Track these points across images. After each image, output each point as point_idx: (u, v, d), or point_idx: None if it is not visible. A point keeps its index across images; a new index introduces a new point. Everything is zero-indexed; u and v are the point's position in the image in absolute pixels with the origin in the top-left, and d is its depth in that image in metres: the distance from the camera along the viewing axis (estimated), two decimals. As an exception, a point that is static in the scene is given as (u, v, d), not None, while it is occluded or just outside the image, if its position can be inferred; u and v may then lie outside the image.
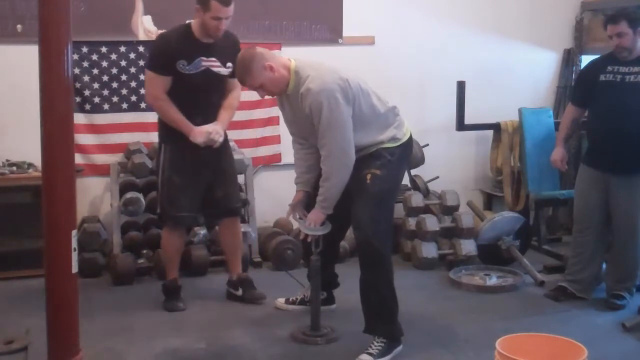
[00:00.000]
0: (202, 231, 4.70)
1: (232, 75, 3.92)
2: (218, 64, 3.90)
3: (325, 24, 5.20)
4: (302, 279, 4.21)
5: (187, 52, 3.82)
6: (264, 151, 5.22)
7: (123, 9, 4.76)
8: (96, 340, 3.51)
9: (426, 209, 5.07)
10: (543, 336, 2.85)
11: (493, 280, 4.55)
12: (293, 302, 4.07)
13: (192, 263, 4.57)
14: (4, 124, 4.64)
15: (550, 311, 4.07)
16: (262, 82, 3.34)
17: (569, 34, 5.83)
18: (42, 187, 2.69)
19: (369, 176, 3.37)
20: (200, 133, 3.84)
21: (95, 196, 4.91)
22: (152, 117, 4.45)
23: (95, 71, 4.79)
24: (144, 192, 4.69)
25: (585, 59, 5.41)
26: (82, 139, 4.72)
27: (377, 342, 3.38)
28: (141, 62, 4.77)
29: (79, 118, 4.68)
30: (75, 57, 4.66)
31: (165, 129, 3.94)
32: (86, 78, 4.77)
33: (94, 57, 4.77)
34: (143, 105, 4.80)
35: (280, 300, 4.10)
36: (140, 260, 4.61)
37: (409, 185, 5.26)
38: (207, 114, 3.93)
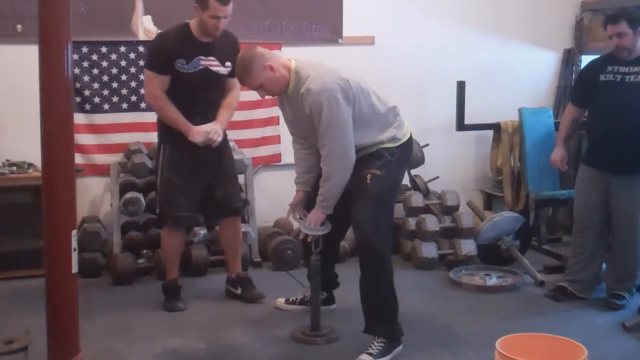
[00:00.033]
0: (202, 231, 4.70)
1: (231, 74, 3.93)
2: (217, 63, 3.91)
3: (325, 24, 5.20)
4: (302, 279, 4.21)
5: (186, 51, 3.82)
6: (264, 151, 5.22)
7: (123, 9, 4.76)
8: (96, 340, 3.51)
9: (426, 209, 5.07)
10: (543, 336, 2.85)
11: (493, 280, 4.55)
12: (293, 302, 4.07)
13: (192, 263, 4.57)
14: (4, 124, 4.64)
15: (550, 311, 4.07)
16: (262, 82, 3.34)
17: (569, 34, 5.83)
18: (42, 187, 2.69)
19: (369, 176, 3.37)
20: (199, 132, 3.84)
21: (95, 196, 4.91)
22: (152, 117, 4.45)
23: (95, 71, 4.79)
24: (144, 192, 4.69)
25: (585, 59, 5.41)
26: (82, 139, 4.72)
27: (377, 342, 3.38)
28: (141, 62, 4.77)
29: (79, 118, 4.68)
30: (75, 57, 4.66)
31: (165, 129, 3.95)
32: (86, 78, 4.77)
33: (94, 57, 4.77)
34: (143, 105, 4.80)
35: (280, 300, 4.10)
36: (140, 260, 4.61)
37: (409, 185, 5.26)
38: (206, 114, 3.93)
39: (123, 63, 4.83)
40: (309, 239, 3.55)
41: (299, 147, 3.64)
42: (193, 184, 3.97)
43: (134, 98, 4.87)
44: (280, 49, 4.98)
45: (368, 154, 3.42)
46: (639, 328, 3.76)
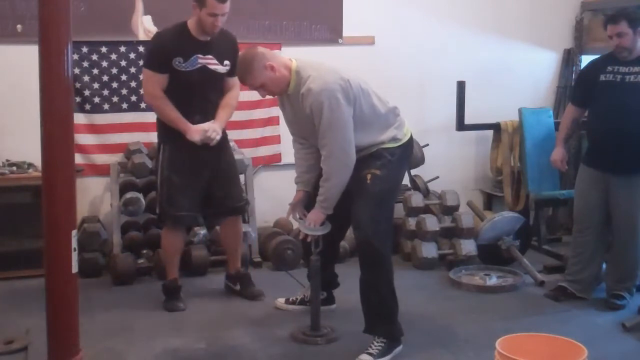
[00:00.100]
0: (202, 231, 4.70)
1: (230, 73, 3.94)
2: (215, 61, 3.91)
3: (325, 24, 5.20)
4: (302, 279, 4.21)
5: (183, 49, 3.82)
6: (264, 151, 5.22)
7: (123, 9, 4.76)
8: (96, 340, 3.51)
9: (426, 209, 5.07)
10: (543, 336, 2.85)
11: (493, 280, 4.55)
12: (293, 302, 4.07)
13: (192, 263, 4.57)
14: (4, 124, 4.64)
15: (550, 311, 4.07)
16: (263, 82, 3.34)
17: (569, 34, 5.83)
18: (42, 187, 2.69)
19: (369, 176, 3.37)
20: (197, 131, 3.84)
21: (95, 196, 4.91)
22: (152, 117, 4.44)
23: (95, 71, 4.79)
24: (144, 192, 4.69)
25: (585, 59, 5.41)
26: (82, 139, 4.72)
27: (377, 342, 3.38)
28: (141, 62, 4.76)
29: (79, 118, 4.68)
30: (75, 57, 4.66)
31: (165, 128, 3.95)
32: (86, 78, 4.77)
33: (94, 57, 4.77)
34: (143, 105, 4.80)
35: (280, 300, 4.10)
36: (140, 260, 4.61)
37: (409, 185, 5.26)
38: (206, 113, 3.93)
39: (123, 63, 4.83)
40: (308, 239, 3.55)
41: (299, 147, 3.64)
42: (193, 183, 3.97)
43: (134, 98, 4.87)
44: (280, 49, 4.97)
45: (368, 154, 3.42)
46: (639, 328, 3.76)
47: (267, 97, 3.59)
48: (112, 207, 4.66)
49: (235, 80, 3.84)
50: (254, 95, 4.49)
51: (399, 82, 5.24)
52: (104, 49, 4.79)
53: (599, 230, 4.13)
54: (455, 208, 5.03)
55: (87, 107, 4.79)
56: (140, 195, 4.62)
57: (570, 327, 3.75)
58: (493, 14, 5.64)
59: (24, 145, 4.47)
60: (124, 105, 4.87)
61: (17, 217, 4.48)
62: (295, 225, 4.41)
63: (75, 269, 2.71)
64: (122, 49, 4.82)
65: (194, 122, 3.86)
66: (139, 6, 4.79)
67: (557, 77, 5.86)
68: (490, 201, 5.64)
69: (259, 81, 3.34)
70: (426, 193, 5.23)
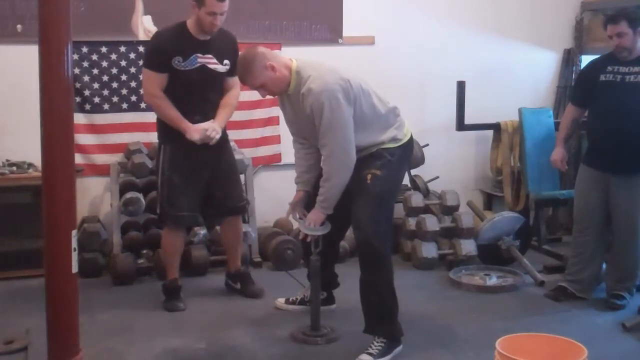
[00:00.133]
0: (202, 231, 4.71)
1: (230, 73, 3.94)
2: (214, 60, 3.91)
3: (325, 24, 5.20)
4: (302, 279, 4.21)
5: (182, 48, 3.83)
6: (264, 151, 5.22)
7: (123, 9, 4.77)
8: (96, 340, 3.51)
9: (426, 209, 5.07)
10: (543, 336, 2.85)
11: (493, 280, 4.55)
12: (293, 302, 4.07)
13: (192, 263, 4.57)
14: (4, 124, 4.64)
15: (550, 311, 4.07)
16: (263, 82, 3.34)
17: (569, 34, 5.83)
18: (42, 187, 2.69)
19: (369, 176, 3.37)
20: (197, 130, 3.84)
21: (95, 196, 4.91)
22: (152, 117, 4.44)
23: (95, 71, 4.79)
24: (144, 192, 4.69)
25: (585, 59, 5.41)
26: (82, 139, 4.72)
27: (377, 342, 3.38)
28: (141, 62, 4.75)
29: (79, 118, 4.68)
30: (75, 57, 4.66)
31: (165, 129, 3.95)
32: (86, 78, 4.77)
33: (94, 57, 4.77)
34: (143, 105, 4.80)
35: (280, 300, 4.10)
36: (140, 260, 4.61)
37: (409, 185, 5.26)
38: (206, 112, 3.93)
39: (123, 63, 4.84)
40: (308, 239, 3.55)
41: (299, 147, 3.64)
42: (193, 184, 3.97)
43: (134, 98, 4.87)
44: (280, 49, 4.97)
45: (368, 154, 3.42)
46: (639, 328, 3.76)
47: (268, 97, 3.59)
48: (112, 207, 4.66)
49: (235, 80, 3.84)
50: (254, 95, 4.49)
51: (399, 82, 5.24)
52: (104, 49, 4.79)
53: (599, 230, 4.13)
54: (455, 208, 5.03)
55: (87, 107, 4.79)
56: (140, 195, 4.62)
57: (570, 327, 3.75)
58: (493, 14, 5.64)
59: (24, 145, 4.47)
60: (124, 105, 4.87)
61: (17, 217, 4.48)
62: (295, 225, 4.41)
63: (75, 269, 2.71)
64: (122, 49, 4.82)
65: (194, 122, 3.86)
66: (139, 6, 4.79)
67: (557, 77, 5.86)
68: (490, 201, 5.64)
69: (260, 81, 3.34)
70: (426, 193, 5.23)
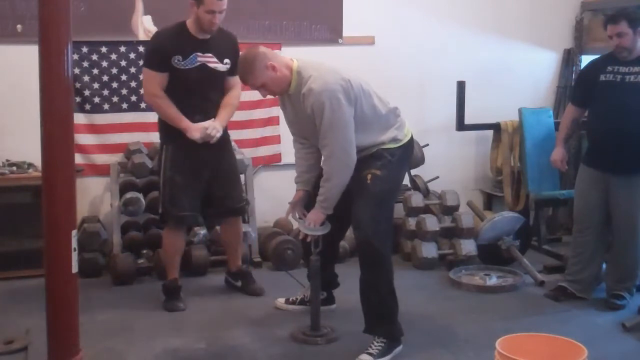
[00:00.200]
0: (202, 231, 4.71)
1: (230, 72, 3.94)
2: (214, 59, 3.91)
3: (325, 24, 5.20)
4: (302, 279, 4.21)
5: (182, 47, 3.83)
6: (264, 151, 5.22)
7: (123, 9, 4.77)
8: (96, 340, 3.51)
9: (426, 209, 5.07)
10: (543, 336, 2.85)
11: (493, 280, 4.55)
12: (293, 302, 4.07)
13: (192, 263, 4.57)
14: (4, 124, 4.64)
15: (550, 311, 4.07)
16: (264, 82, 3.34)
17: (569, 34, 5.83)
18: (42, 187, 2.69)
19: (369, 176, 3.37)
20: (197, 129, 3.84)
21: (95, 196, 4.91)
22: (152, 117, 4.45)
23: (95, 71, 4.79)
24: (144, 192, 4.69)
25: (585, 59, 5.41)
26: (82, 139, 4.72)
27: (377, 342, 3.38)
28: (141, 62, 4.76)
29: (79, 118, 4.68)
30: (75, 57, 4.66)
31: (166, 129, 3.95)
32: (86, 78, 4.77)
33: (94, 57, 4.77)
34: (143, 105, 4.80)
35: (280, 300, 4.10)
36: (140, 260, 4.61)
37: (409, 185, 5.26)
38: (206, 111, 3.93)
39: (123, 63, 4.84)
40: (308, 239, 3.55)
41: (299, 147, 3.64)
42: (194, 184, 3.97)
43: (134, 98, 4.87)
44: (280, 49, 4.98)
45: (369, 155, 3.42)
46: (639, 328, 3.76)
47: (268, 97, 3.59)
48: (112, 207, 4.66)
49: (236, 80, 3.84)
50: (254, 95, 4.49)
51: (399, 82, 5.24)
52: (104, 49, 4.79)
53: (599, 230, 4.13)
54: (455, 208, 5.03)
55: (87, 107, 4.79)
56: (140, 195, 4.62)
57: (570, 327, 3.75)
58: (493, 14, 5.64)
59: (24, 145, 4.47)
60: (124, 105, 4.87)
61: (17, 217, 4.48)
62: (295, 224, 4.41)
63: (75, 269, 2.71)
64: (122, 49, 4.82)
65: (194, 122, 3.86)
66: (139, 6, 4.79)
67: (557, 77, 5.86)
68: (490, 201, 5.64)
69: (260, 81, 3.34)
70: (426, 193, 5.23)
